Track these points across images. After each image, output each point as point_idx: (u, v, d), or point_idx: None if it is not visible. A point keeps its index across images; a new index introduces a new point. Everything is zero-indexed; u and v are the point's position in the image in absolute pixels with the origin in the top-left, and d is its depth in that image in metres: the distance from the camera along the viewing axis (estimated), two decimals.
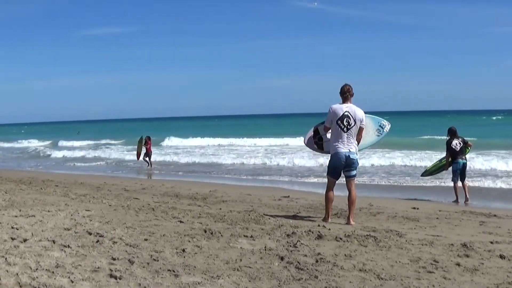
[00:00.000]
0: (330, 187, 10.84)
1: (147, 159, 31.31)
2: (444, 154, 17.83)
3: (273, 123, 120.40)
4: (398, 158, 28.54)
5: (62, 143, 63.80)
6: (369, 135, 11.88)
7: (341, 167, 10.59)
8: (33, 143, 67.48)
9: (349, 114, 10.43)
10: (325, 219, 10.84)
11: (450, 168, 17.05)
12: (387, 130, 12.32)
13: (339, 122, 10.46)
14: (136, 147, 32.82)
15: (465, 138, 17.22)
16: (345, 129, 10.42)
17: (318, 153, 11.81)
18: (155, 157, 33.68)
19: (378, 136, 12.11)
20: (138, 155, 31.77)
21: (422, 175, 19.48)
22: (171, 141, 56.68)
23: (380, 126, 12.09)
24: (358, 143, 10.67)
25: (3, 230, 8.86)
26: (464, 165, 16.83)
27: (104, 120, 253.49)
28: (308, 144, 11.81)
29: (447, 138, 17.10)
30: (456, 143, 16.75)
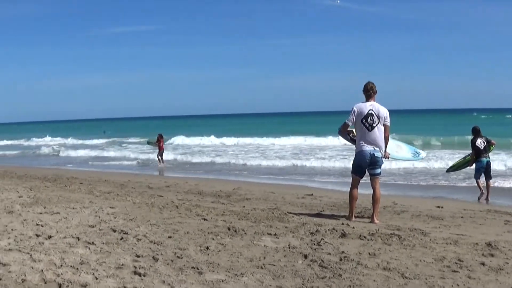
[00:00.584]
0: (354, 185, 10.79)
1: (159, 157, 31.41)
2: (468, 152, 18.03)
3: (292, 121, 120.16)
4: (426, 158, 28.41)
5: (89, 141, 64.09)
6: (404, 152, 12.95)
7: (366, 165, 10.54)
8: (58, 141, 67.86)
9: (373, 112, 10.39)
10: (349, 218, 10.79)
11: (474, 166, 17.20)
12: (422, 157, 13.78)
13: (363, 120, 10.41)
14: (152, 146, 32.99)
15: (488, 137, 17.34)
16: (369, 127, 10.38)
17: (349, 143, 11.75)
18: (175, 156, 33.75)
19: (412, 156, 13.27)
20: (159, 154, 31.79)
21: (448, 171, 19.48)
22: (183, 140, 56.63)
23: (416, 152, 13.29)
24: (386, 142, 10.61)
25: (28, 227, 8.93)
26: (488, 163, 16.96)
27: (124, 118, 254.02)
28: (342, 134, 11.62)
29: (472, 137, 17.28)
30: (480, 142, 16.93)
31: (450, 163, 20.56)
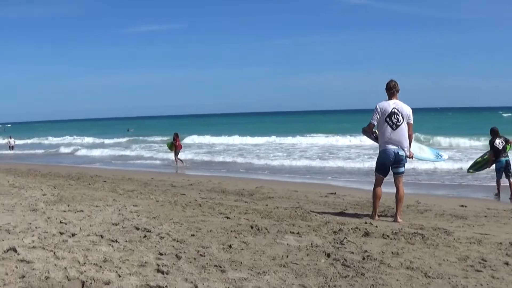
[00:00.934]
0: (378, 184, 10.74)
1: (176, 157, 31.25)
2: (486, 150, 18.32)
3: (317, 119, 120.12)
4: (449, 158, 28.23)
5: (113, 140, 64.44)
6: (426, 153, 13.06)
7: (390, 163, 10.49)
8: (81, 140, 68.31)
9: (397, 111, 10.33)
10: (372, 216, 10.75)
11: (494, 167, 17.39)
12: (444, 159, 14.55)
13: (387, 119, 10.35)
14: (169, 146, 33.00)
15: (506, 137, 17.60)
16: (394, 126, 10.32)
17: (373, 141, 11.71)
18: (198, 155, 33.85)
19: (435, 157, 13.49)
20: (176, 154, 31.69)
21: (468, 171, 19.51)
22: (209, 139, 56.44)
23: (438, 154, 13.46)
24: (410, 141, 10.55)
25: (52, 224, 8.98)
26: (507, 162, 17.03)
27: (150, 117, 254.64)
28: (366, 133, 11.60)
29: (490, 138, 17.55)
30: (498, 142, 17.18)
31: (471, 163, 20.56)
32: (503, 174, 16.97)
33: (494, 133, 17.36)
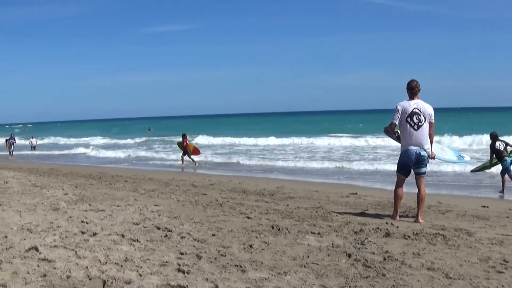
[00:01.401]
0: (399, 184, 10.68)
1: (189, 157, 31.29)
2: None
3: (337, 120, 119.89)
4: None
5: (132, 140, 64.67)
6: (449, 155, 13.31)
7: (411, 164, 10.43)
8: (102, 140, 68.65)
9: (418, 111, 10.25)
10: (393, 217, 10.68)
11: (498, 167, 18.79)
12: (466, 161, 15.11)
13: (408, 119, 10.27)
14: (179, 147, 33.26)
15: (506, 141, 18.95)
16: (415, 126, 10.24)
17: (395, 141, 11.66)
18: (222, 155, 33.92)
19: (457, 159, 13.83)
20: (188, 155, 31.64)
21: (472, 171, 20.85)
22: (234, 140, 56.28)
23: (460, 155, 13.78)
24: (431, 139, 10.49)
25: (73, 224, 9.04)
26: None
27: (169, 117, 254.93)
28: (388, 133, 11.54)
29: (490, 142, 18.88)
30: (499, 144, 18.37)
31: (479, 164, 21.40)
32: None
33: (494, 137, 18.51)
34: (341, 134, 55.26)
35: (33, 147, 52.51)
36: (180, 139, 32.27)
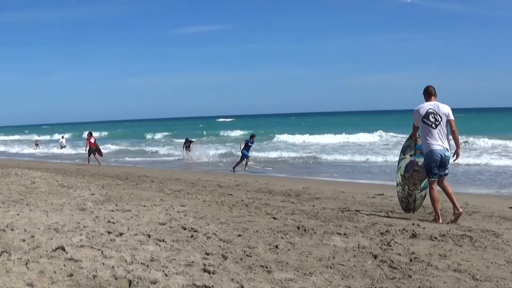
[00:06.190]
0: (432, 187, 10.65)
1: (188, 153, 34.34)
2: None
3: (370, 118, 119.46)
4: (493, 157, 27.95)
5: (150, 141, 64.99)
6: None
7: (436, 165, 10.41)
8: (121, 143, 69.01)
9: (433, 111, 10.48)
10: (435, 220, 10.58)
11: None
12: None
13: (424, 120, 10.50)
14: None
15: None
16: (433, 125, 10.41)
17: None
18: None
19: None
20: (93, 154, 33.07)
21: None
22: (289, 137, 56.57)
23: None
24: (456, 136, 10.52)
25: (100, 224, 9.08)
26: None
27: (196, 118, 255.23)
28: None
29: None
30: None
31: None
32: None
33: None
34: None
35: (63, 147, 52.87)
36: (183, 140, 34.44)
